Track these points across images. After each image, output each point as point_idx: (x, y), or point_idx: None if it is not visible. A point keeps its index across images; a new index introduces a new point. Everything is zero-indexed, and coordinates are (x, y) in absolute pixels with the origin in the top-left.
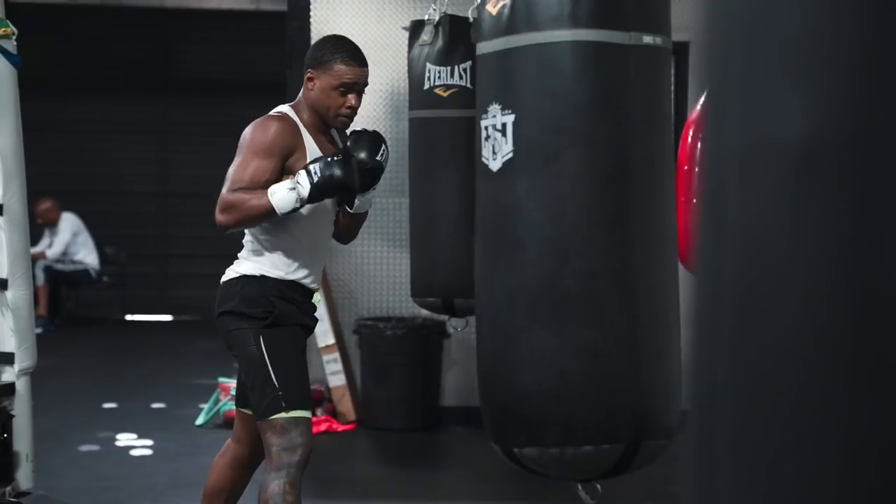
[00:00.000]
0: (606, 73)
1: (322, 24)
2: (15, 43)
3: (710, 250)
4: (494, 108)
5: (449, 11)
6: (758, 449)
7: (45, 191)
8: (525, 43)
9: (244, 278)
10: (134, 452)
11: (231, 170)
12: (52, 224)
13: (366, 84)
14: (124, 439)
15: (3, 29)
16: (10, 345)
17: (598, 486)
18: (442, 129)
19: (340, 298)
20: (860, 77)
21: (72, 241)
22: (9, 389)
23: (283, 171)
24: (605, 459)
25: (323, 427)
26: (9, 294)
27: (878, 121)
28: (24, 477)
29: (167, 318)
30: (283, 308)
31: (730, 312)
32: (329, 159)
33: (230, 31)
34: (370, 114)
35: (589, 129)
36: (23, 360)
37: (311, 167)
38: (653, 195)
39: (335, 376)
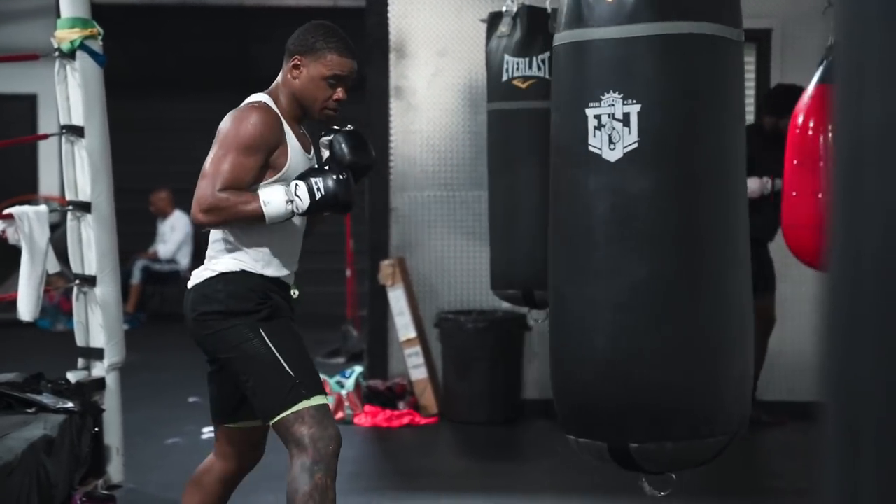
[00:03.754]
0: (723, 67)
1: (400, 18)
2: (101, 43)
3: (847, 235)
4: (612, 97)
5: (527, 2)
6: None
7: (129, 189)
8: (653, 32)
9: (225, 276)
10: None
11: (211, 164)
12: (163, 215)
13: (355, 77)
14: (210, 432)
15: (90, 29)
16: (99, 340)
17: (674, 476)
18: (521, 120)
19: (421, 292)
20: None
21: (184, 241)
22: (99, 384)
23: (267, 165)
24: (710, 451)
25: (405, 420)
26: (97, 291)
27: None
28: (114, 470)
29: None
30: (275, 300)
31: (872, 299)
32: (335, 177)
33: None
34: (449, 107)
35: (708, 123)
36: (112, 356)
37: (313, 182)
38: (744, 190)
39: (417, 370)
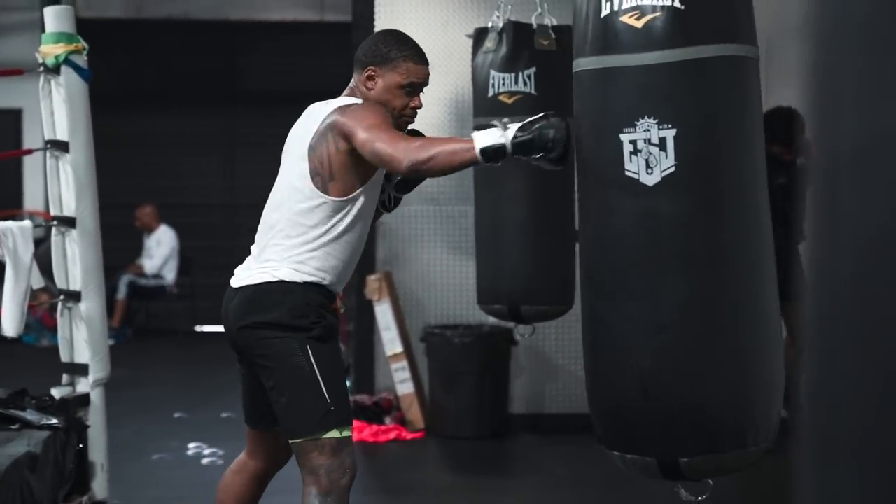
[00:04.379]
0: (751, 87)
1: None
2: (86, 58)
3: (825, 251)
4: (648, 122)
5: (512, 18)
6: (881, 448)
7: (115, 204)
8: (682, 58)
9: (285, 285)
10: (205, 461)
11: (376, 129)
12: (148, 230)
13: (427, 85)
14: (195, 448)
15: (75, 44)
16: (84, 356)
17: (711, 482)
18: None
19: (408, 307)
20: None
21: (170, 256)
22: (84, 400)
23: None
24: (751, 459)
25: (392, 435)
26: (82, 306)
27: None
28: (99, 487)
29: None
30: (331, 321)
31: (847, 313)
32: (554, 117)
33: (295, 43)
34: (435, 121)
35: (741, 143)
36: (96, 371)
37: (521, 120)
38: (768, 206)
39: (403, 384)
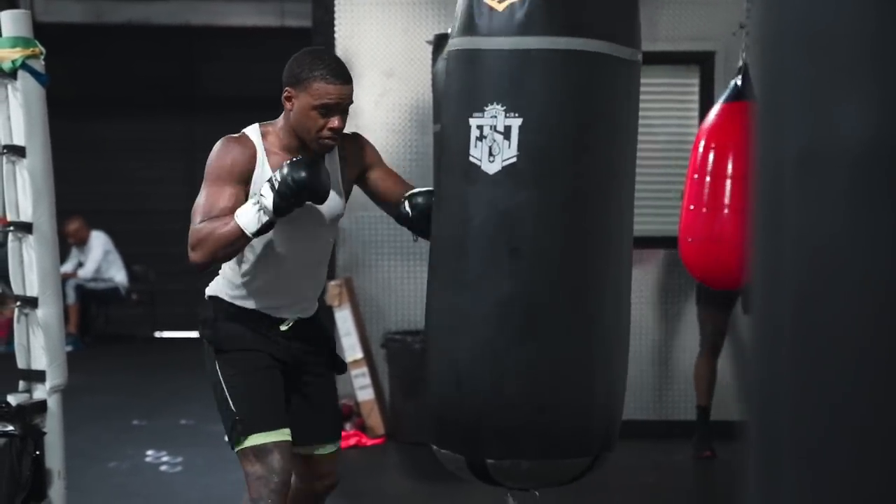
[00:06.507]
0: (612, 85)
1: (347, 39)
2: (43, 62)
3: (767, 255)
4: (495, 109)
5: None
6: (819, 449)
7: (74, 210)
8: (544, 46)
9: (211, 299)
10: (164, 469)
11: (196, 203)
12: (82, 243)
13: (350, 102)
14: (154, 456)
15: (31, 49)
16: (40, 363)
17: (537, 493)
18: None
19: (368, 313)
20: None
21: (103, 259)
22: (40, 407)
23: (247, 197)
24: (571, 471)
25: (352, 441)
26: (39, 312)
27: None
28: (56, 494)
29: (195, 334)
30: (232, 330)
31: (788, 316)
32: (291, 162)
33: (255, 48)
34: (395, 127)
35: (592, 141)
36: (53, 378)
37: (273, 176)
38: (629, 209)
39: (364, 391)
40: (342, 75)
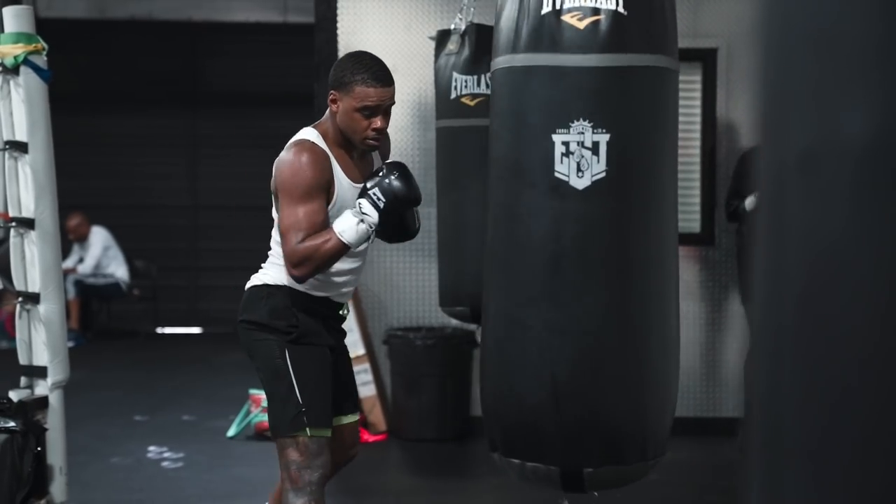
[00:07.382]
0: (675, 98)
1: (349, 35)
2: (45, 58)
3: (770, 253)
4: (582, 125)
5: (475, 21)
6: (823, 449)
7: (76, 205)
8: (627, 64)
9: (269, 287)
10: (165, 465)
11: (286, 219)
12: (83, 239)
13: (392, 103)
14: (156, 452)
15: (34, 44)
16: (42, 358)
17: (596, 494)
18: (469, 138)
19: (370, 309)
20: None
21: (103, 254)
22: (42, 403)
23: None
24: (644, 473)
25: None
26: (41, 308)
27: None
28: (57, 490)
29: (197, 330)
30: (309, 324)
31: (792, 314)
32: (388, 179)
33: (258, 44)
34: (397, 123)
35: (668, 152)
36: (55, 374)
37: (371, 193)
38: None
39: (365, 387)
40: (383, 78)
